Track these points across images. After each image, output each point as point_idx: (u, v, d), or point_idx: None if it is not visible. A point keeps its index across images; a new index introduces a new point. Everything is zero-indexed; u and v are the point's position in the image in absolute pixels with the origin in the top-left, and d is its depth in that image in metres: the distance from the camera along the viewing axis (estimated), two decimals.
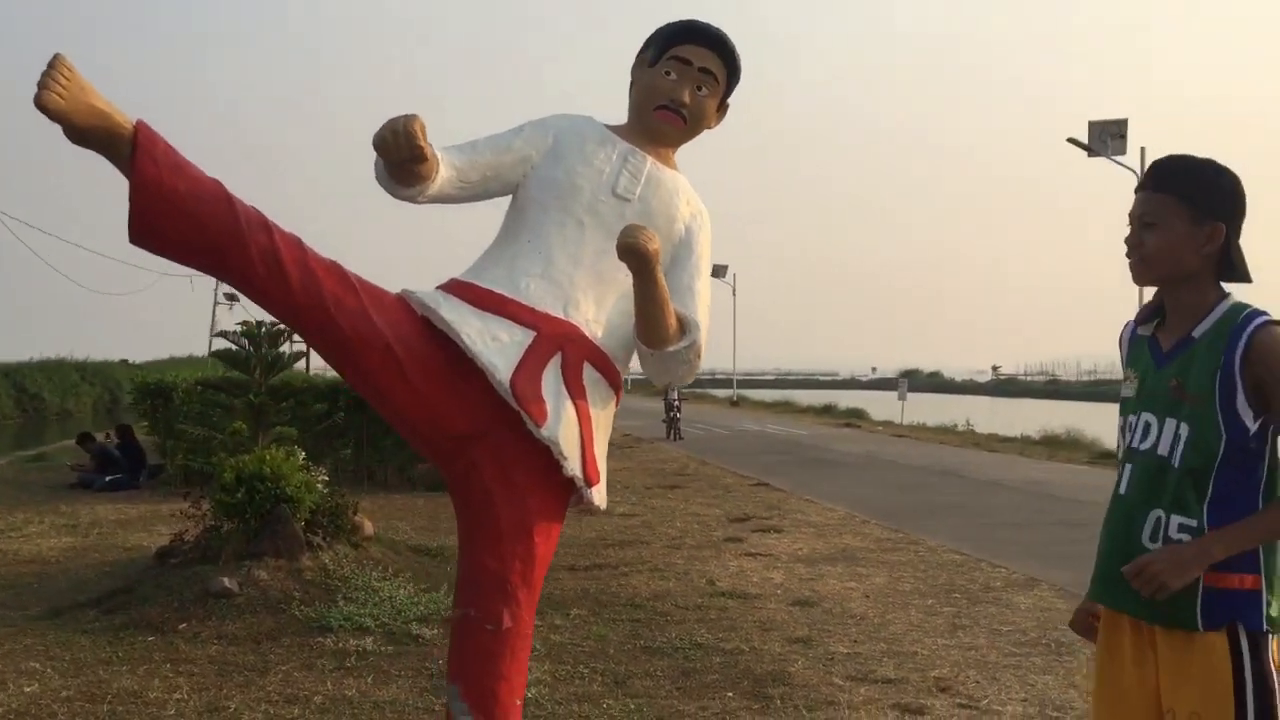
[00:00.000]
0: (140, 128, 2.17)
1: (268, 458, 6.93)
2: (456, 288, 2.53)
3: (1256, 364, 2.18)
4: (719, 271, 46.37)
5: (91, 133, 2.13)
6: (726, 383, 64.19)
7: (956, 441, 24.91)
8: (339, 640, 5.71)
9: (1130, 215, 2.36)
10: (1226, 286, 2.33)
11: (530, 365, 2.41)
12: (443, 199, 2.55)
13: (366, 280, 2.43)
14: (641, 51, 2.70)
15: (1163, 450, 2.26)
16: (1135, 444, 2.33)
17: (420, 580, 6.96)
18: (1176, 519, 2.23)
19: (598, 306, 2.56)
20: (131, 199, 2.15)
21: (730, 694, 4.99)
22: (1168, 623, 2.24)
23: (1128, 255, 2.37)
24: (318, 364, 26.79)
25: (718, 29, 2.66)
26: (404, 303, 2.47)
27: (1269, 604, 2.21)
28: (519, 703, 2.53)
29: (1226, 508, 2.21)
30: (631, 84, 2.72)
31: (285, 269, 2.28)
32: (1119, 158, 21.50)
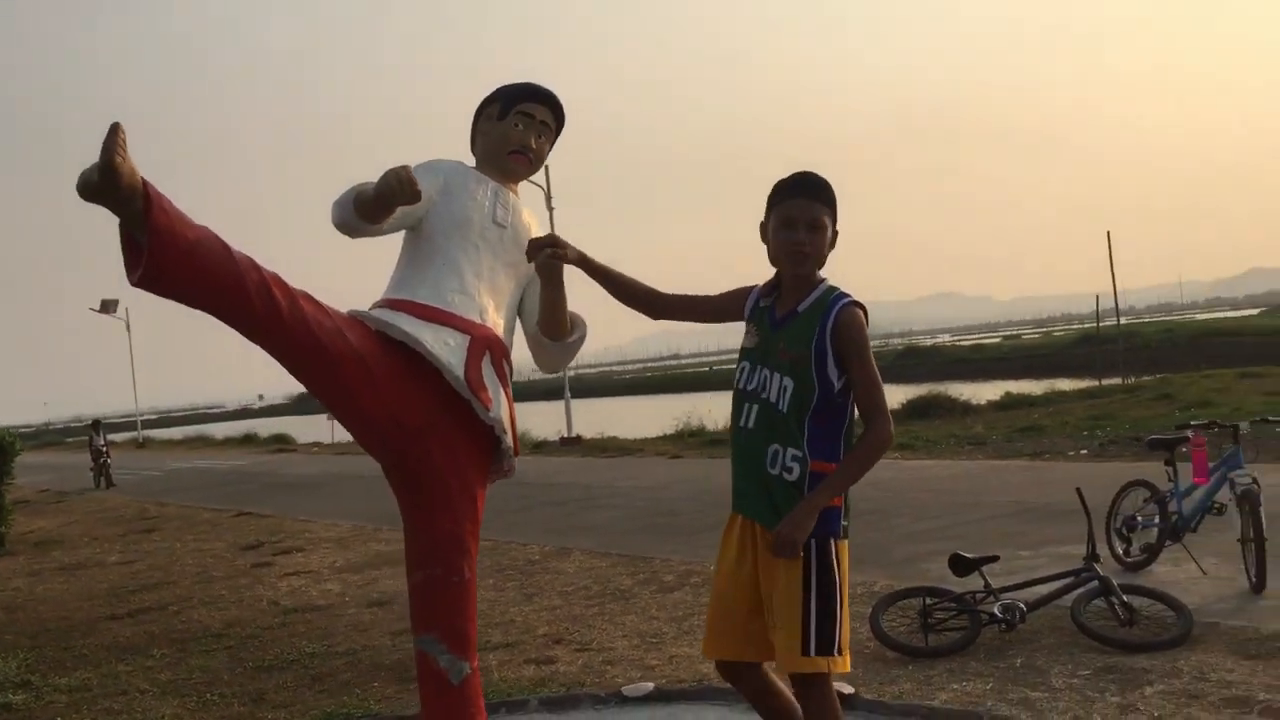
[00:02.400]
0: (147, 185, 2.31)
1: None
2: (397, 304, 2.95)
3: (840, 335, 2.86)
4: (109, 306, 42.57)
5: (126, 190, 2.26)
6: (128, 425, 59.43)
7: None
8: None
9: (796, 220, 2.99)
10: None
11: (474, 363, 2.93)
12: (377, 233, 2.96)
13: (329, 304, 2.76)
14: (486, 107, 3.22)
15: (773, 398, 2.89)
16: (756, 390, 2.94)
17: None
18: (790, 450, 2.86)
19: (496, 313, 3.11)
20: (148, 248, 2.31)
21: (376, 684, 5.31)
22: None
23: (799, 249, 2.98)
24: None
25: (550, 90, 3.23)
26: (358, 320, 2.85)
27: (844, 516, 3.00)
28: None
29: (822, 443, 2.87)
30: (480, 133, 3.23)
31: (276, 301, 2.55)
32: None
